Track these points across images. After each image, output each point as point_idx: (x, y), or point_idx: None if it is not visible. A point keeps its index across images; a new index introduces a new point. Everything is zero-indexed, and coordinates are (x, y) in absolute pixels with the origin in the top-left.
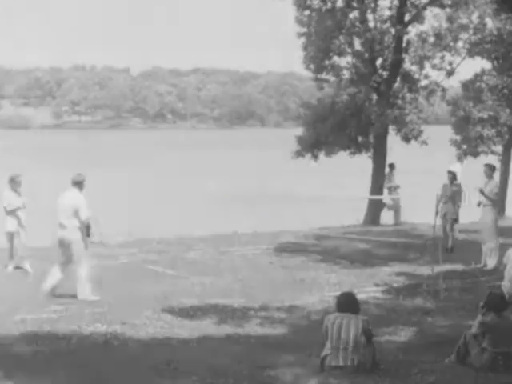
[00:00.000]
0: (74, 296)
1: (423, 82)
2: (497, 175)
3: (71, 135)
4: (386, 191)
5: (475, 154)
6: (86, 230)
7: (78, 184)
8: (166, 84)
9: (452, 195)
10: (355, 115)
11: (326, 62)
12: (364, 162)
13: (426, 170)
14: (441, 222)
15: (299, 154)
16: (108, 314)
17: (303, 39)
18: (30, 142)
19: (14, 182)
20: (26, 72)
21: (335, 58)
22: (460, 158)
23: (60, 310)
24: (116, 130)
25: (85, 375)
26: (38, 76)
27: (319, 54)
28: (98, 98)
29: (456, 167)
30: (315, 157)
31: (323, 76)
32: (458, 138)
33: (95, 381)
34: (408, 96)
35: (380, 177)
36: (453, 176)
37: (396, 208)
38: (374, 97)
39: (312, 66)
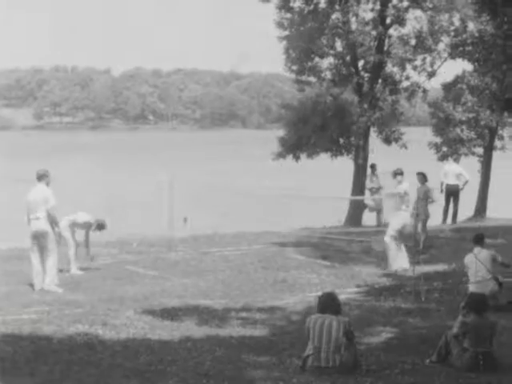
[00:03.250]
0: (58, 296)
1: (404, 84)
2: (477, 176)
3: (55, 137)
4: (367, 192)
5: (456, 157)
6: (53, 220)
7: (43, 177)
8: (147, 85)
9: (424, 196)
10: (337, 116)
11: (308, 64)
12: (347, 163)
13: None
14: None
15: (280, 155)
16: (89, 314)
17: (285, 42)
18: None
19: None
20: (7, 73)
21: (317, 60)
22: (456, 159)
23: (41, 311)
24: (97, 131)
25: (66, 376)
26: (19, 77)
27: (301, 55)
28: (79, 99)
29: (452, 167)
30: (297, 158)
31: (305, 78)
32: (438, 140)
33: (76, 382)
34: (389, 98)
35: (361, 178)
36: (422, 177)
37: (378, 209)
38: (356, 98)
39: (294, 68)
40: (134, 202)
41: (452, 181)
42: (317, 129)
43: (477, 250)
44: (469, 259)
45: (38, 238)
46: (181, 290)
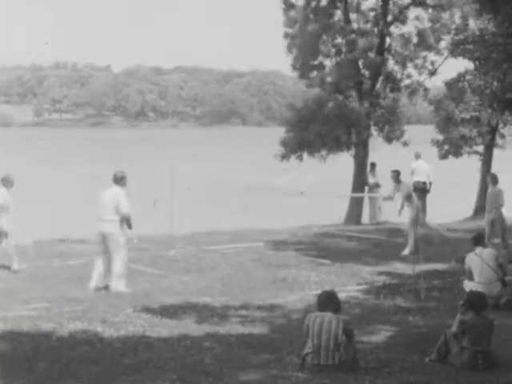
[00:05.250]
0: (57, 293)
1: (405, 82)
2: (478, 175)
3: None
4: (367, 189)
5: (457, 154)
6: (128, 222)
7: (121, 180)
8: (147, 82)
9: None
10: (339, 115)
11: (311, 63)
12: (348, 160)
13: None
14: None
15: (285, 156)
16: (88, 311)
17: (289, 40)
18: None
19: (7, 181)
20: (7, 70)
21: (320, 58)
22: (418, 156)
23: (40, 308)
24: (97, 128)
25: (65, 373)
26: (19, 74)
27: (305, 54)
28: (80, 95)
29: (419, 164)
30: (300, 158)
31: (309, 76)
32: (441, 137)
33: (75, 378)
34: (390, 96)
35: (362, 176)
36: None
37: (374, 207)
38: (358, 96)
39: (298, 66)
40: (133, 199)
41: (422, 178)
42: (320, 129)
43: (479, 250)
44: (472, 259)
45: (104, 239)
46: (180, 287)
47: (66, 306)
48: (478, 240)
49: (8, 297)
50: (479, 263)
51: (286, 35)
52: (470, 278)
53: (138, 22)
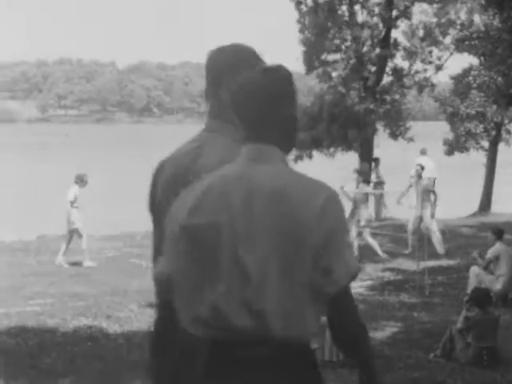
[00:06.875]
0: (61, 288)
1: (411, 78)
2: (483, 171)
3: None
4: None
5: (463, 150)
6: None
7: None
8: (152, 78)
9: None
10: (349, 112)
11: (320, 59)
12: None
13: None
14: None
15: (297, 159)
16: (92, 307)
17: (300, 37)
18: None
19: (80, 180)
20: (12, 65)
21: (327, 54)
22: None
23: (44, 304)
24: (102, 124)
25: (69, 369)
26: (24, 69)
27: (312, 50)
28: (84, 91)
29: (423, 161)
30: (309, 156)
31: (319, 72)
32: (451, 135)
33: (79, 374)
34: (397, 91)
35: (366, 172)
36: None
37: (379, 203)
38: (363, 92)
39: (309, 64)
40: (138, 194)
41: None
42: (329, 126)
43: (504, 244)
44: (504, 251)
45: None
46: None
47: (69, 302)
48: (501, 234)
49: (12, 293)
50: None
51: (301, 35)
52: (491, 268)
53: (143, 18)
